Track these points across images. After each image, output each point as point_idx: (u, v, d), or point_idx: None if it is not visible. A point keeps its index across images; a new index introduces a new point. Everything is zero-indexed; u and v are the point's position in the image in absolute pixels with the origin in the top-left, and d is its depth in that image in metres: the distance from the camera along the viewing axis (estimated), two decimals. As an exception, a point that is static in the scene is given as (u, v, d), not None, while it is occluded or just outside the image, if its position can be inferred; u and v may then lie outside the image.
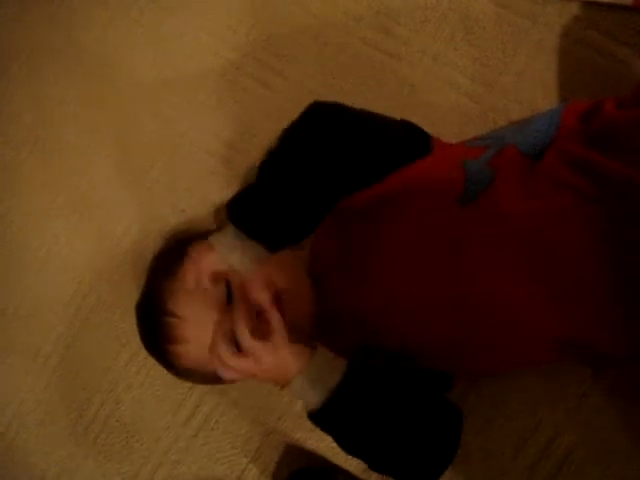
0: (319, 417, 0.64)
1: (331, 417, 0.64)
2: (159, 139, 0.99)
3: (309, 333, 0.74)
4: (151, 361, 0.93)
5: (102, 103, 1.04)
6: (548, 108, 0.71)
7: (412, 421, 0.66)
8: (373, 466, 0.69)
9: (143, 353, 0.94)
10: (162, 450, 0.93)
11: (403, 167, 0.69)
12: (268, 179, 0.66)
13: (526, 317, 0.59)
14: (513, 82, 0.80)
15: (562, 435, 0.72)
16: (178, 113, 0.98)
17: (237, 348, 0.70)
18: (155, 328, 0.73)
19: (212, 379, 0.78)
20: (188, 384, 0.91)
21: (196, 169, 0.95)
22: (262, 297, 0.63)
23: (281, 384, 0.65)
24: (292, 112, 0.70)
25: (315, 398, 0.63)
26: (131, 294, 0.80)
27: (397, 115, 0.73)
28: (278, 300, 0.68)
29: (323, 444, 0.82)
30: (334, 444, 0.68)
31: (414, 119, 0.74)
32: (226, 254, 0.65)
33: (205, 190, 0.94)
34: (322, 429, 0.67)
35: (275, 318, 0.62)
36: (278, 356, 0.62)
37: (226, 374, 0.65)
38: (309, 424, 0.66)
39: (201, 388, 0.91)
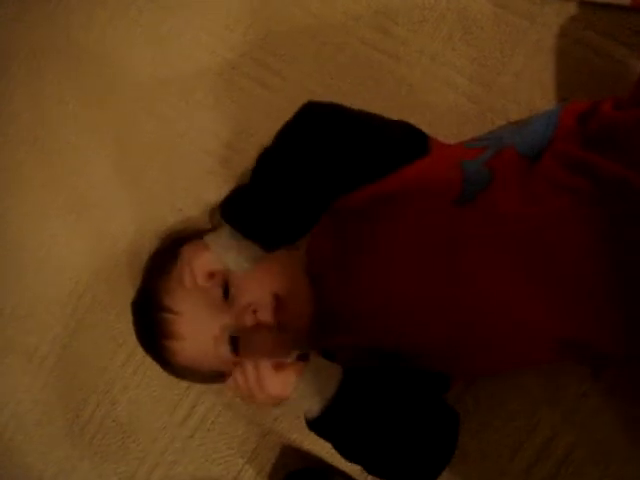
0: (317, 425, 0.64)
1: (329, 424, 0.64)
2: (157, 139, 0.99)
3: (306, 333, 0.74)
4: (148, 361, 0.93)
5: (101, 103, 1.04)
6: (546, 108, 0.71)
7: (409, 424, 0.65)
8: (370, 470, 0.69)
9: (140, 353, 0.94)
10: (158, 451, 0.93)
11: (401, 167, 0.69)
12: (262, 178, 0.66)
13: (524, 317, 0.59)
14: (511, 82, 0.80)
15: (560, 436, 0.72)
16: (176, 113, 0.98)
17: (233, 348, 0.70)
18: (151, 324, 0.73)
19: (207, 378, 0.78)
20: (184, 385, 0.91)
21: (194, 169, 0.96)
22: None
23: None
24: (290, 112, 0.69)
25: (313, 407, 0.63)
26: (127, 294, 0.80)
27: (395, 115, 0.73)
28: (278, 300, 0.68)
29: (319, 445, 0.82)
30: (330, 445, 0.68)
31: (412, 119, 0.74)
32: (221, 254, 0.65)
33: (203, 190, 0.94)
34: (321, 436, 0.67)
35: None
36: (266, 390, 0.63)
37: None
38: (305, 425, 0.66)
39: (198, 389, 0.91)
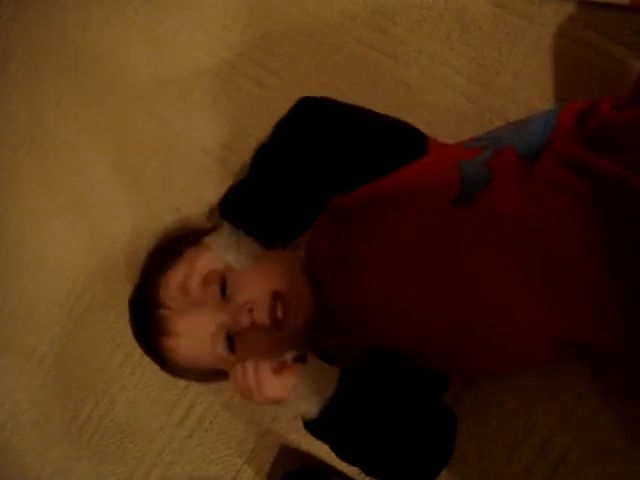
0: (316, 426, 0.64)
1: (327, 426, 0.64)
2: (155, 138, 0.99)
3: (304, 333, 0.74)
4: (146, 361, 0.92)
5: (98, 103, 1.04)
6: (545, 108, 0.71)
7: (407, 426, 0.65)
8: (368, 471, 0.69)
9: (137, 353, 0.94)
10: (156, 451, 0.93)
11: (400, 167, 0.68)
12: (259, 174, 0.66)
13: (524, 317, 0.59)
14: (510, 82, 0.80)
15: (558, 436, 0.72)
16: (174, 112, 0.98)
17: (230, 347, 0.70)
18: (148, 321, 0.73)
19: (204, 376, 0.78)
20: (183, 385, 0.91)
21: (192, 168, 0.95)
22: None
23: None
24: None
25: (311, 409, 0.63)
26: (125, 294, 0.80)
27: (393, 114, 0.73)
28: (276, 298, 0.68)
29: (318, 445, 0.82)
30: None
31: (410, 119, 0.74)
32: (222, 253, 0.65)
33: (201, 189, 0.94)
34: (319, 438, 0.67)
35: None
36: (264, 393, 0.63)
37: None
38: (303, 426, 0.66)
39: (195, 389, 0.91)
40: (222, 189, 0.91)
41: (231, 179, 0.91)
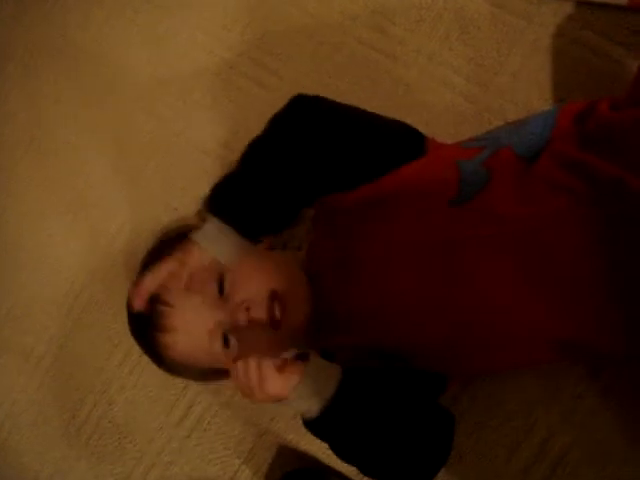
0: (316, 425, 0.64)
1: (328, 425, 0.64)
2: (154, 138, 0.99)
3: (304, 332, 0.74)
4: (144, 362, 0.92)
5: (98, 103, 1.04)
6: (543, 108, 0.71)
7: (405, 425, 0.65)
8: (366, 471, 0.68)
9: (136, 353, 0.94)
10: (155, 451, 0.93)
11: (398, 167, 0.69)
12: (247, 167, 0.67)
13: (523, 317, 0.59)
14: (508, 82, 0.80)
15: (556, 437, 0.72)
16: (173, 112, 0.98)
17: (226, 345, 0.70)
18: (145, 317, 0.73)
19: (200, 375, 0.78)
20: (181, 385, 0.91)
21: (191, 168, 0.95)
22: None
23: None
24: (287, 112, 0.70)
25: (312, 407, 0.63)
26: (124, 294, 0.79)
27: (392, 115, 0.73)
28: (274, 297, 0.68)
29: (316, 445, 0.82)
30: (327, 445, 0.68)
31: (409, 119, 0.74)
32: (207, 246, 0.65)
33: (200, 189, 0.92)
34: (318, 437, 0.66)
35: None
36: (266, 390, 0.62)
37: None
38: (302, 425, 0.66)
39: (194, 389, 0.91)
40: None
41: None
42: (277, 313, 0.67)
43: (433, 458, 0.66)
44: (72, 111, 1.06)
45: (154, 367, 0.80)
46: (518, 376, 0.73)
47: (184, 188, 0.95)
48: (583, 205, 0.54)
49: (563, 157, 0.57)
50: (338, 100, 0.72)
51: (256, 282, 0.69)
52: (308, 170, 0.66)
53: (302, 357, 0.64)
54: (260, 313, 0.67)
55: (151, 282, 0.65)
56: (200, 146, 0.96)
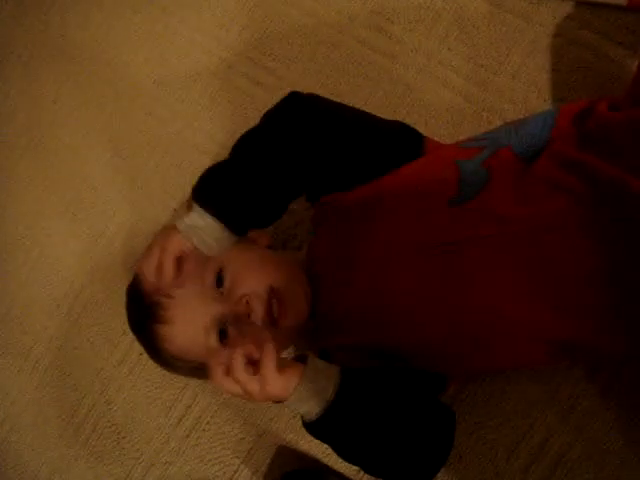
0: (317, 427, 0.64)
1: (328, 426, 0.64)
2: (153, 138, 0.99)
3: (303, 332, 0.73)
4: (143, 362, 0.93)
5: (97, 103, 1.04)
6: (542, 108, 0.71)
7: (406, 425, 0.65)
8: (368, 470, 0.68)
9: (135, 353, 0.94)
10: (153, 451, 0.93)
11: (397, 167, 0.69)
12: (235, 161, 0.67)
13: (523, 318, 0.59)
14: (507, 82, 0.80)
15: (556, 437, 0.72)
16: (172, 112, 0.98)
17: (223, 340, 0.69)
18: (143, 308, 0.73)
19: (197, 371, 0.77)
20: (180, 385, 0.91)
21: (189, 168, 0.95)
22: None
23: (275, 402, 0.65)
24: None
25: (312, 409, 0.62)
26: (123, 294, 0.80)
27: (391, 114, 0.73)
28: (273, 294, 0.68)
29: (315, 445, 0.82)
30: (326, 445, 0.68)
31: (408, 119, 0.74)
32: (189, 234, 0.65)
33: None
34: (320, 439, 0.66)
35: (267, 352, 0.61)
36: (266, 390, 0.61)
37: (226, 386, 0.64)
38: (301, 425, 0.66)
39: (193, 389, 0.91)
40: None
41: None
42: (275, 310, 0.67)
43: (434, 456, 0.66)
44: (72, 111, 1.06)
45: (153, 367, 0.80)
46: (518, 376, 0.73)
47: (182, 188, 0.95)
48: (583, 205, 0.54)
49: (563, 157, 0.57)
50: (337, 100, 0.72)
51: (256, 278, 0.69)
52: (297, 164, 0.66)
53: (300, 359, 0.64)
54: (259, 308, 0.67)
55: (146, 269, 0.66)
56: (199, 146, 0.96)
